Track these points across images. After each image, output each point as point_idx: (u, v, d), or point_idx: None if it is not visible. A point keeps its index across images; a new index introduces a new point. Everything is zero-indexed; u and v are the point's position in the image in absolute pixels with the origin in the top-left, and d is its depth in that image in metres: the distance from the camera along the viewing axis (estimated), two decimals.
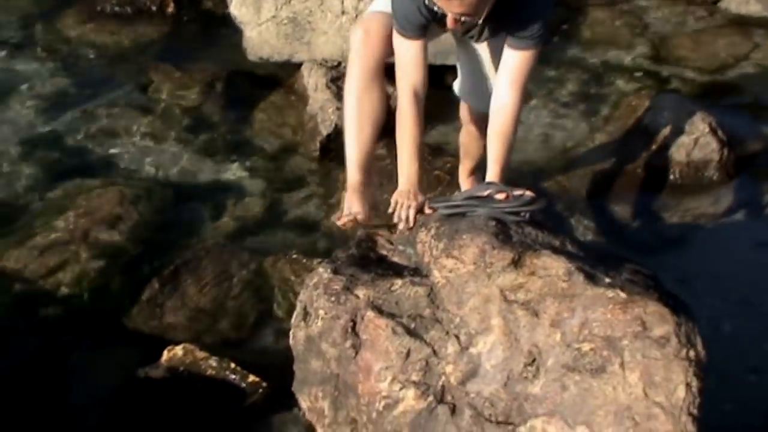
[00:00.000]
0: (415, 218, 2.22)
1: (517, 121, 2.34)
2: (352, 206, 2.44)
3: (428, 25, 2.30)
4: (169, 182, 3.45)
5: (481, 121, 2.77)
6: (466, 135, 2.93)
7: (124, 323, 2.76)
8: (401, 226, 2.25)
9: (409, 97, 2.32)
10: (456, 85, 2.82)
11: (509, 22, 2.25)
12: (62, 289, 2.88)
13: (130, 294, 2.86)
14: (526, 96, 2.39)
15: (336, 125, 3.51)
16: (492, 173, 2.31)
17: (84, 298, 2.86)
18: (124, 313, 2.79)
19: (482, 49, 2.56)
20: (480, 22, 2.21)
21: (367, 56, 2.48)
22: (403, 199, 2.26)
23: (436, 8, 2.13)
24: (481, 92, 2.68)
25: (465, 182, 3.08)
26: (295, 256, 2.99)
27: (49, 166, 3.53)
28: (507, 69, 2.30)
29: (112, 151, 3.64)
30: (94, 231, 3.10)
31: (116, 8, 4.59)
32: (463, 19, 2.12)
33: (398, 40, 2.35)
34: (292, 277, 2.88)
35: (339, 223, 2.47)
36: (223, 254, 3.03)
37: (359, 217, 2.42)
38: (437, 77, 2.81)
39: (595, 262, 1.91)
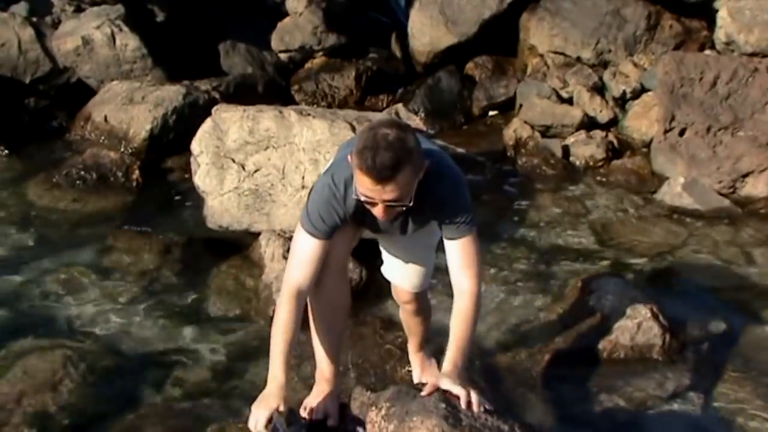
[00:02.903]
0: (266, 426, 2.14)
1: (479, 304, 2.33)
2: (326, 405, 2.36)
3: (340, 226, 2.31)
4: (116, 344, 3.40)
5: (415, 302, 2.85)
6: (404, 313, 2.97)
7: None
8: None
9: (291, 297, 2.28)
10: (384, 270, 2.86)
11: (438, 215, 2.29)
12: None
13: None
14: (481, 277, 2.37)
15: None
16: (450, 359, 2.23)
17: None
18: None
19: (402, 239, 2.56)
20: (409, 206, 2.18)
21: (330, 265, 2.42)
22: (259, 407, 2.18)
23: (363, 198, 2.13)
24: (408, 274, 2.76)
25: (415, 357, 3.10)
26: (242, 426, 2.91)
27: None
28: (457, 258, 2.31)
29: (62, 311, 3.61)
30: (31, 395, 3.00)
31: (82, 174, 4.68)
32: (391, 205, 2.12)
33: (300, 234, 2.33)
34: None
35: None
36: (166, 422, 2.95)
37: (332, 420, 2.31)
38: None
39: None
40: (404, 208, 2.19)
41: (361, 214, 2.26)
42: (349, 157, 2.15)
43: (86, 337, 3.42)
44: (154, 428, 2.90)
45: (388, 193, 2.08)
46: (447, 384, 2.11)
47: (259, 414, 2.16)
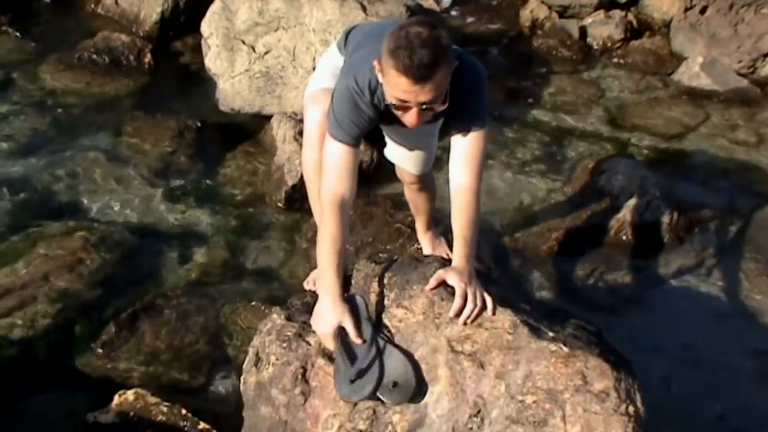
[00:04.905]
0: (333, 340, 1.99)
1: (479, 201, 2.21)
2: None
3: (368, 129, 2.23)
4: (134, 227, 3.48)
5: (419, 182, 2.86)
6: (409, 192, 2.98)
7: (78, 367, 2.76)
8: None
9: (334, 207, 2.13)
10: (387, 152, 2.85)
11: (455, 107, 2.15)
12: (17, 332, 2.87)
13: (86, 338, 2.87)
14: (482, 175, 2.26)
15: (302, 175, 3.58)
16: (458, 254, 2.10)
17: (39, 342, 2.85)
18: (79, 357, 2.79)
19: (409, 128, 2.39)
20: (441, 109, 2.05)
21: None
22: (319, 324, 2.03)
23: (396, 103, 2.01)
24: (413, 158, 2.75)
25: (424, 237, 3.15)
26: (254, 303, 3.03)
27: (15, 209, 3.54)
28: (462, 152, 2.20)
29: (80, 195, 3.66)
30: (54, 274, 3.10)
31: (94, 57, 4.63)
32: (426, 107, 2.00)
33: (331, 144, 2.20)
34: (250, 325, 2.91)
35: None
36: (182, 300, 3.06)
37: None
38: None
39: (540, 316, 1.98)
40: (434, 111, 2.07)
41: (385, 118, 2.18)
42: (375, 62, 2.05)
43: (102, 221, 3.49)
44: (172, 307, 3.00)
45: (426, 93, 1.95)
46: (453, 280, 2.01)
47: (325, 332, 2.00)
